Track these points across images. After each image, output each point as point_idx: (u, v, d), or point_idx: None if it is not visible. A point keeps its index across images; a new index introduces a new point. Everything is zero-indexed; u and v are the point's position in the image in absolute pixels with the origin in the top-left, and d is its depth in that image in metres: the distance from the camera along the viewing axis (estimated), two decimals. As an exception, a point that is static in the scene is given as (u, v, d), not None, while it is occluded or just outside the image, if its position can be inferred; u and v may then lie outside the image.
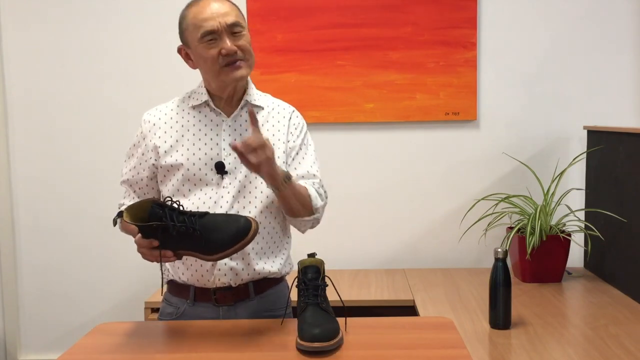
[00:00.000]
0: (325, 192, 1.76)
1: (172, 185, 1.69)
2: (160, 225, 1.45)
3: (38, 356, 3.18)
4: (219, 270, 1.66)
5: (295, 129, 1.77)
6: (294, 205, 1.64)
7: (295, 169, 1.73)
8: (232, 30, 1.62)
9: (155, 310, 2.58)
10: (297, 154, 1.75)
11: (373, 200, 3.03)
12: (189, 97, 1.75)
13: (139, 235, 1.49)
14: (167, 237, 1.47)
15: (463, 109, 2.95)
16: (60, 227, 3.12)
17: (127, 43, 3.02)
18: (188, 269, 1.69)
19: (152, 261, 1.51)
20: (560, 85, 2.94)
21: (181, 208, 1.50)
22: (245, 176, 1.67)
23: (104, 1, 3.01)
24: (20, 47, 3.05)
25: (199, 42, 1.62)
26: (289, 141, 1.74)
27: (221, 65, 1.62)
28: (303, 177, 1.73)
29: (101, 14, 3.01)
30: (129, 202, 1.77)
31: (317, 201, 1.68)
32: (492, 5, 2.92)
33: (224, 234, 1.47)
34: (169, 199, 1.53)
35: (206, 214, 1.51)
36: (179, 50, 1.72)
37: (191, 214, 1.49)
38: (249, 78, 1.76)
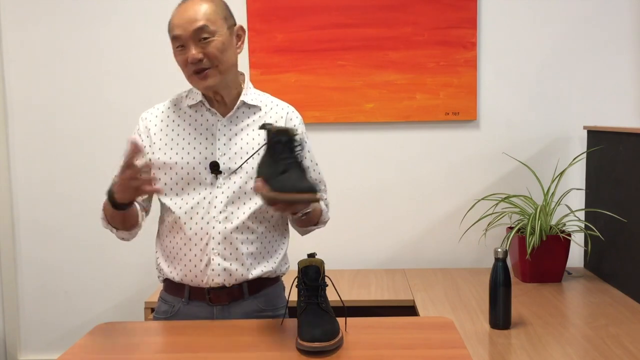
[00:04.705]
0: (325, 186, 1.84)
1: (165, 183, 1.69)
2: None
3: (38, 356, 3.18)
4: (213, 270, 1.66)
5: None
6: (307, 226, 1.76)
7: None
8: (199, 36, 1.59)
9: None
10: None
11: (373, 200, 3.03)
12: (186, 96, 1.75)
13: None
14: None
15: (463, 109, 2.95)
16: (60, 227, 3.12)
17: (126, 43, 3.02)
18: (182, 269, 1.69)
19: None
20: (560, 85, 2.94)
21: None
22: (240, 177, 1.67)
23: (104, 1, 3.01)
24: (20, 47, 3.05)
25: (172, 45, 1.65)
26: None
27: (190, 72, 1.63)
28: None
29: (101, 14, 3.01)
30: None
31: (326, 215, 1.79)
32: (492, 5, 2.91)
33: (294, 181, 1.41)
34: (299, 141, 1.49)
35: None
36: None
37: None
38: (245, 77, 1.77)
